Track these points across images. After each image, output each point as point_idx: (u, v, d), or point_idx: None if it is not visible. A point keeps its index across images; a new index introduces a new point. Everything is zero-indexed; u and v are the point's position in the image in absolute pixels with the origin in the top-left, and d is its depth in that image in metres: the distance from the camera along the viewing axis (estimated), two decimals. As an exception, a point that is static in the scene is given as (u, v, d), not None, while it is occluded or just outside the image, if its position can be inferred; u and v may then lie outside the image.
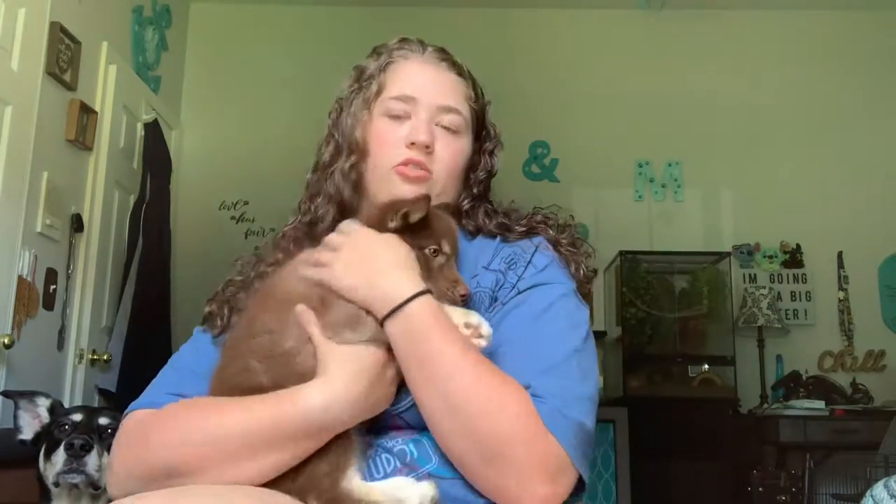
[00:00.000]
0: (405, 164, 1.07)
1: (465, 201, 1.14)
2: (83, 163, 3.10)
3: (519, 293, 1.00)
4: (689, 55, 4.49)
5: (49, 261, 2.81)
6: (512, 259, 1.04)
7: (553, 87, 4.41)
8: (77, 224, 2.99)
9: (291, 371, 0.91)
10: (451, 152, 1.10)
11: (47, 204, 2.76)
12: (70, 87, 2.92)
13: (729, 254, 4.23)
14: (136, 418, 0.99)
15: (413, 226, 0.98)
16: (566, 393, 0.91)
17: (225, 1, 4.50)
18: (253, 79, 4.34)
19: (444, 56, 1.15)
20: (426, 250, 0.99)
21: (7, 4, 2.52)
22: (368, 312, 0.92)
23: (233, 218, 4.20)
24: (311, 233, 1.11)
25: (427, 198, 0.98)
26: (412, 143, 1.06)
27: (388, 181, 1.07)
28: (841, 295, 4.28)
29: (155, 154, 3.61)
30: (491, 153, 1.18)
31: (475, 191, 1.15)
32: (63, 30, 2.83)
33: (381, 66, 1.13)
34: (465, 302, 0.98)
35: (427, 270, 0.98)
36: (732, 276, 4.19)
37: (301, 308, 0.93)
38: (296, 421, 0.87)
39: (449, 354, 0.89)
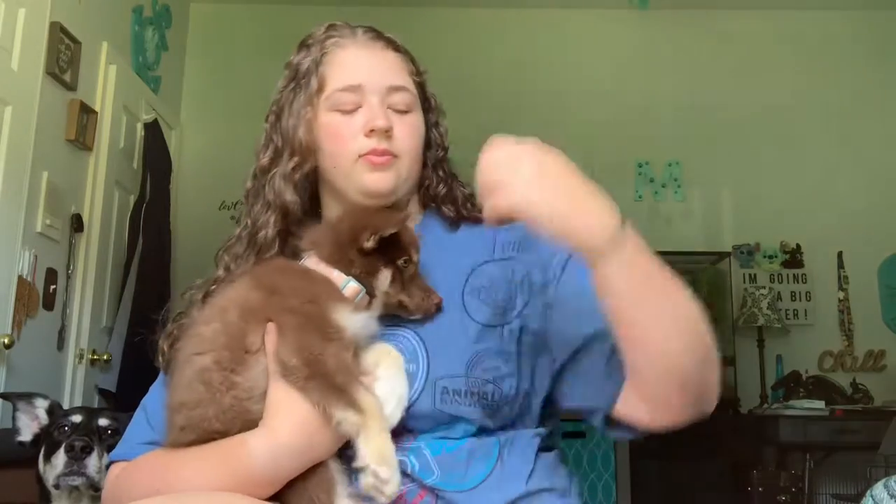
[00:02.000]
0: (370, 154, 1.01)
1: (440, 186, 1.10)
2: (83, 163, 3.10)
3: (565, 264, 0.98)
4: (688, 55, 4.49)
5: (49, 261, 2.81)
6: (521, 243, 1.01)
7: (553, 87, 4.41)
8: (77, 224, 2.99)
9: (238, 416, 0.88)
10: (409, 132, 1.05)
11: (47, 204, 2.76)
12: (70, 87, 2.92)
13: (729, 254, 4.23)
14: (113, 475, 1.00)
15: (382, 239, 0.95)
16: None
17: (225, 1, 4.49)
18: (253, 79, 4.32)
19: (377, 35, 1.10)
20: (399, 262, 0.96)
21: (7, 4, 2.51)
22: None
23: (233, 218, 4.15)
24: (253, 244, 1.05)
25: (404, 217, 0.96)
26: (371, 131, 1.01)
27: (353, 173, 1.02)
28: (841, 295, 4.28)
29: (155, 154, 3.61)
30: (436, 125, 1.13)
31: (441, 172, 1.11)
32: (63, 30, 2.83)
33: (316, 60, 1.06)
34: (439, 311, 0.97)
35: (401, 283, 0.96)
36: (732, 276, 4.19)
37: (271, 328, 0.89)
38: (243, 476, 0.85)
39: (666, 273, 0.84)
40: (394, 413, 0.88)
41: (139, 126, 3.57)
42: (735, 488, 3.73)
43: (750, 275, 4.35)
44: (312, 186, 1.09)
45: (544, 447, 0.99)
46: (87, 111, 3.03)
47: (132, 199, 3.48)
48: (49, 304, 2.82)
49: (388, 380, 0.90)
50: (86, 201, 3.12)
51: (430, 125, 1.12)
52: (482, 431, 0.93)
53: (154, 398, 1.05)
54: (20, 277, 2.58)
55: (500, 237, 1.02)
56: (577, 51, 4.50)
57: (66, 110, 2.93)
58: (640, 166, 4.42)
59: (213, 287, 1.04)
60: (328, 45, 1.07)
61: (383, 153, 1.01)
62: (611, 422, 0.97)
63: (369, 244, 0.94)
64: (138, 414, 1.06)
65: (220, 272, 1.06)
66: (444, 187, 1.10)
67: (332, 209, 1.08)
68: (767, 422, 3.79)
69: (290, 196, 1.04)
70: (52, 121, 2.82)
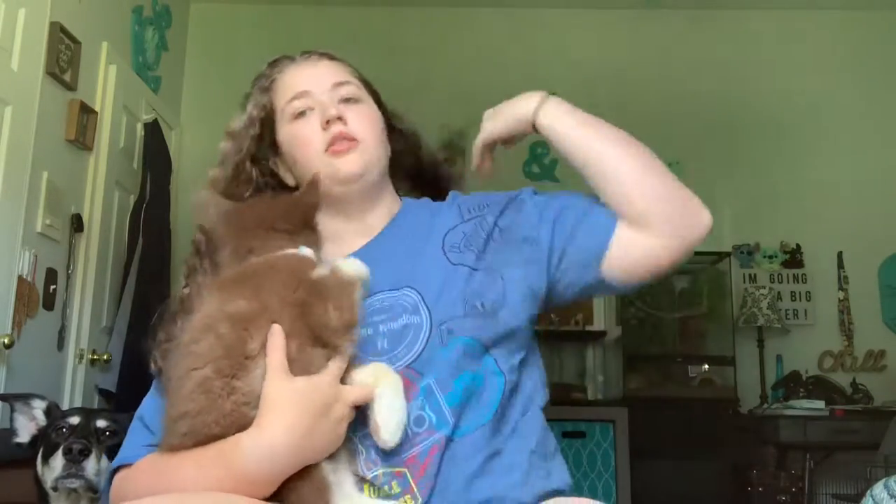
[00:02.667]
0: (332, 142, 1.09)
1: (409, 166, 1.24)
2: (83, 163, 3.10)
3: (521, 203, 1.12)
4: (689, 55, 4.49)
5: (49, 261, 2.81)
6: (483, 205, 1.13)
7: (553, 88, 4.39)
8: (77, 224, 2.99)
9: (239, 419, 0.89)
10: (363, 117, 1.13)
11: (47, 204, 2.76)
12: (70, 87, 2.92)
13: (729, 254, 4.22)
14: (115, 485, 1.01)
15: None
16: None
17: (225, 1, 4.49)
18: (253, 79, 4.33)
19: (312, 52, 1.20)
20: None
21: (7, 4, 2.51)
22: None
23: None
24: (209, 253, 1.12)
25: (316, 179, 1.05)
26: (327, 123, 1.09)
27: (325, 167, 1.09)
28: (841, 295, 4.28)
29: (155, 154, 3.61)
30: (393, 115, 1.23)
31: (409, 155, 1.23)
32: (63, 30, 2.83)
33: (265, 87, 1.18)
34: None
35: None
36: (732, 276, 4.19)
37: (276, 329, 0.91)
38: (238, 476, 0.87)
39: (602, 121, 1.12)
40: (394, 436, 0.92)
41: (139, 126, 3.57)
42: (735, 488, 3.73)
43: (750, 275, 4.35)
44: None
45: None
46: (87, 111, 3.03)
47: (132, 199, 3.48)
48: (49, 304, 2.81)
49: (387, 402, 0.93)
50: (86, 201, 3.12)
51: (387, 112, 1.21)
52: (482, 351, 1.00)
53: (149, 407, 1.06)
54: (20, 277, 2.58)
55: (464, 205, 1.14)
56: (577, 51, 4.49)
57: (66, 110, 2.93)
58: (640, 166, 4.41)
59: (185, 290, 1.08)
60: (273, 74, 1.19)
61: (343, 137, 1.09)
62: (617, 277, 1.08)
63: (311, 197, 1.03)
64: (135, 423, 1.07)
65: (183, 280, 1.11)
66: (412, 165, 1.24)
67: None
68: (767, 422, 3.78)
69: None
70: (52, 121, 2.82)
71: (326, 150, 1.09)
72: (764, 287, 4.21)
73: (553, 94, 1.11)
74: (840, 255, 4.31)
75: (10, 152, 2.50)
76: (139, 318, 3.24)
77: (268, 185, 1.17)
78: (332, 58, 1.19)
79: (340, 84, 1.14)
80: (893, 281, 4.27)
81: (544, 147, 4.40)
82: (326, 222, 1.10)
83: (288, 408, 0.87)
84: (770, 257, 4.36)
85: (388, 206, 1.16)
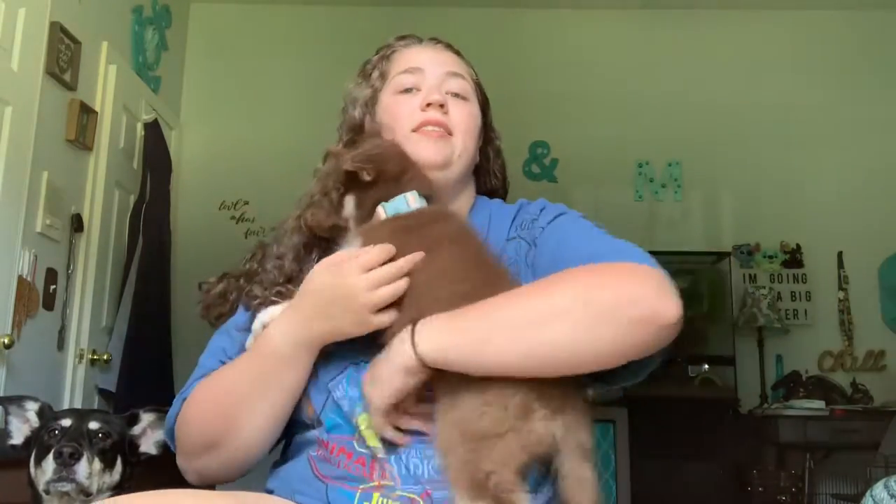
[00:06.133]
0: (423, 124, 1.10)
1: (494, 180, 1.23)
2: (83, 163, 3.10)
3: (542, 230, 1.05)
4: (688, 55, 4.49)
5: (49, 261, 2.81)
6: (522, 222, 1.09)
7: (553, 87, 4.41)
8: (77, 224, 2.99)
9: None
10: (465, 114, 1.14)
11: (47, 204, 2.76)
12: (70, 87, 2.92)
13: (729, 254, 4.22)
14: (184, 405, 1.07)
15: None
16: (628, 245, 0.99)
17: (225, 1, 4.49)
18: (253, 79, 4.34)
19: (440, 41, 1.22)
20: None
21: (7, 4, 2.51)
22: None
23: (233, 218, 4.19)
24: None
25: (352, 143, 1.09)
26: (427, 105, 1.10)
27: (409, 146, 1.09)
28: (841, 295, 4.28)
29: (155, 154, 3.61)
30: (492, 127, 1.23)
31: (497, 168, 1.24)
32: (63, 30, 2.83)
33: (384, 56, 1.19)
34: None
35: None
36: (732, 276, 4.19)
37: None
38: (267, 355, 0.99)
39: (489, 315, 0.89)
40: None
41: (139, 126, 3.56)
42: (735, 488, 3.73)
43: (750, 275, 4.35)
44: None
45: None
46: (87, 111, 3.03)
47: (132, 199, 3.48)
48: (49, 304, 2.81)
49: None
50: (86, 201, 3.12)
51: (488, 123, 1.22)
52: None
53: (224, 344, 1.11)
54: (20, 277, 2.58)
55: (518, 217, 1.11)
56: (577, 51, 4.49)
57: (66, 110, 2.93)
58: (640, 166, 4.42)
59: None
60: (397, 46, 1.20)
61: (437, 123, 1.10)
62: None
63: (369, 177, 1.03)
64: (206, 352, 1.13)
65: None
66: (497, 182, 1.24)
67: None
68: (767, 422, 3.79)
69: None
70: (52, 121, 2.82)
71: (415, 130, 1.10)
72: (764, 287, 4.21)
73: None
74: (840, 255, 4.31)
75: (10, 152, 2.50)
76: (139, 318, 3.24)
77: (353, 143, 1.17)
78: (457, 53, 1.21)
79: (455, 75, 1.16)
80: (893, 281, 4.27)
81: (544, 147, 4.41)
82: None
83: (314, 300, 0.99)
84: (770, 257, 4.35)
85: (462, 206, 1.16)
